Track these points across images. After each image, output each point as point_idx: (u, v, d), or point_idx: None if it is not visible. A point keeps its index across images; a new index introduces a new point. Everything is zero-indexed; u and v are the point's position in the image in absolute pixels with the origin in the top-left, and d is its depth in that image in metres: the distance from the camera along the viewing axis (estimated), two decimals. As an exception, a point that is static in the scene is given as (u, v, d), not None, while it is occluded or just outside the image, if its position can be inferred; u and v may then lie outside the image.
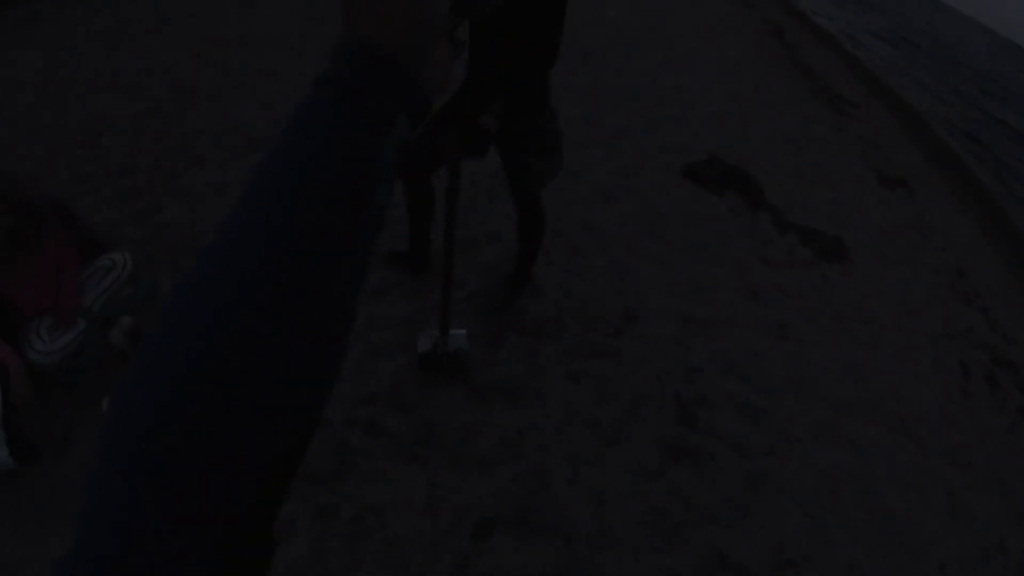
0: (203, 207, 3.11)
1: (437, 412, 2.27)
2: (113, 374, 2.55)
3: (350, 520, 2.06)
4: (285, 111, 3.59)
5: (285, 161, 0.30)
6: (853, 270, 3.54)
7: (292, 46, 4.90)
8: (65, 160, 3.38)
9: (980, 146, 7.52)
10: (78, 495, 2.31)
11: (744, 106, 5.39)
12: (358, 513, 2.08)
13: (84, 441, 2.36)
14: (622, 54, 5.83)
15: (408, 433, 2.22)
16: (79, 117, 3.76)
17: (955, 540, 2.33)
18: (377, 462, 2.17)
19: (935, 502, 2.45)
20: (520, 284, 2.63)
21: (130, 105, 3.91)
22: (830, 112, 6.10)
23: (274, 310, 0.28)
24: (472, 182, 3.31)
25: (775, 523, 2.15)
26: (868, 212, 4.34)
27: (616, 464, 2.21)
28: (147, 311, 2.64)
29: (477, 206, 3.22)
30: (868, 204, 4.48)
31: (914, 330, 3.32)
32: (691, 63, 6.09)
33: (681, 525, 2.10)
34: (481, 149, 2.24)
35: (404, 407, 2.29)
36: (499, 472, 2.15)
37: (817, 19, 10.46)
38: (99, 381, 2.55)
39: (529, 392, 2.35)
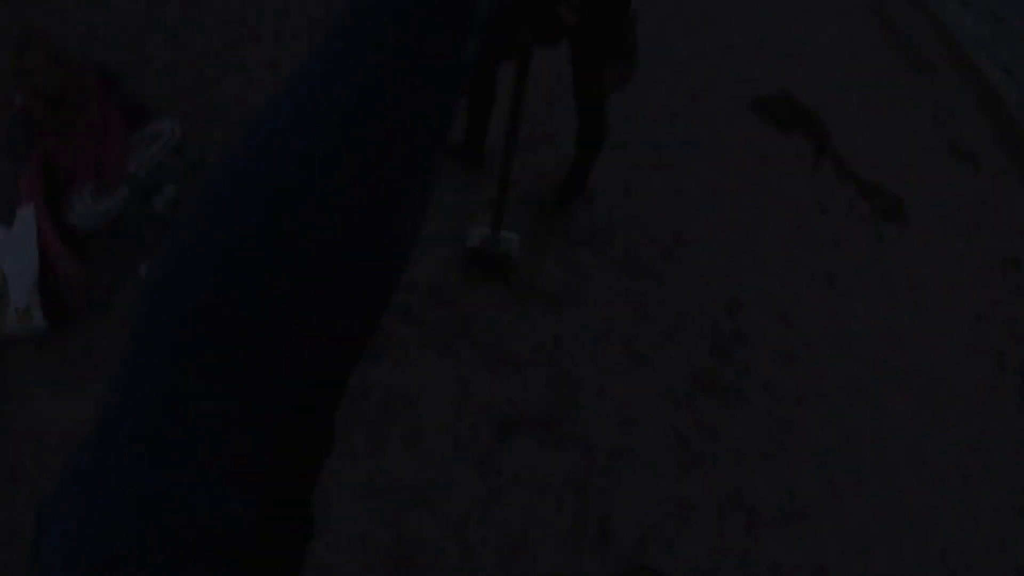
0: (256, 83, 2.98)
1: (476, 309, 2.24)
2: (154, 242, 2.52)
3: (378, 403, 2.07)
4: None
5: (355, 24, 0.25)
6: (908, 234, 3.39)
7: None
8: (120, 30, 3.23)
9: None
10: (112, 357, 2.36)
11: (820, 47, 5.04)
12: (387, 398, 2.08)
13: (122, 306, 2.36)
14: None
15: (445, 325, 2.20)
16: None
17: (961, 529, 2.34)
18: (410, 350, 2.16)
19: (949, 487, 2.44)
20: (573, 192, 2.54)
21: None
22: (908, 71, 5.72)
23: (362, 160, 0.23)
24: (532, 81, 3.13)
25: (792, 472, 2.15)
26: (932, 179, 4.14)
27: (646, 384, 2.19)
28: (192, 182, 2.58)
29: (535, 106, 3.07)
30: (933, 171, 4.27)
31: (957, 308, 3.23)
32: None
33: (700, 456, 2.11)
34: (554, 38, 2.09)
35: (444, 299, 2.25)
36: (530, 375, 2.15)
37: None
38: (139, 248, 2.52)
39: (569, 301, 2.31)
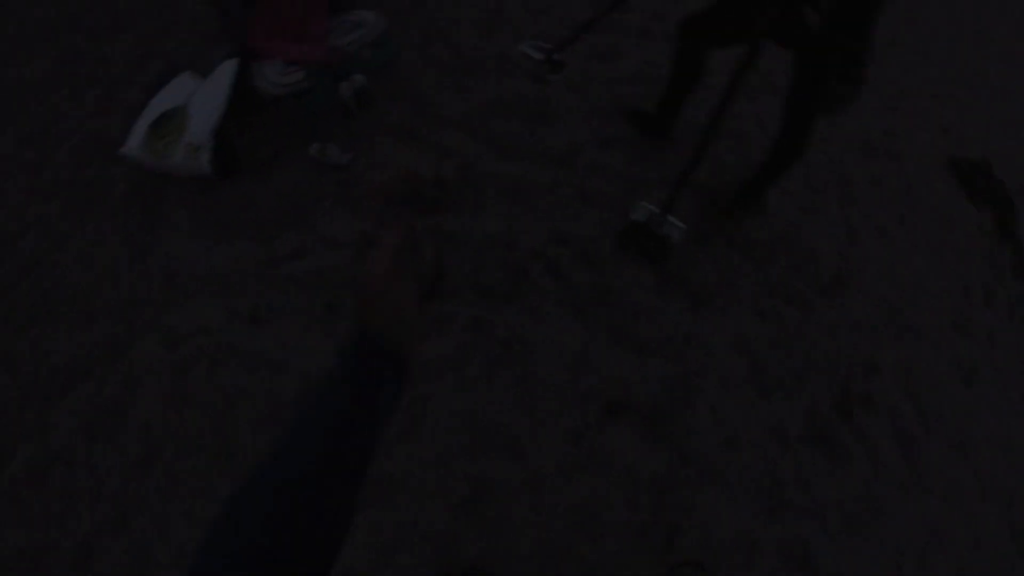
0: None
1: (620, 282, 2.20)
2: (332, 125, 2.55)
3: (500, 342, 2.09)
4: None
5: (320, 401, 0.50)
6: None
7: None
8: None
9: None
10: (261, 212, 2.42)
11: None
12: (509, 339, 2.09)
13: (283, 175, 2.41)
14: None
15: (585, 288, 2.18)
16: None
17: None
18: (546, 302, 2.16)
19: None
20: (751, 199, 2.42)
21: None
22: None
23: (320, 476, 0.46)
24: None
25: (867, 553, 2.08)
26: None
27: (761, 414, 2.14)
28: (382, 78, 2.58)
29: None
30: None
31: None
32: (981, 28, 5.09)
33: (788, 504, 2.06)
34: (791, 39, 1.93)
35: (592, 263, 2.22)
36: (651, 365, 2.12)
37: None
38: (316, 127, 2.56)
39: (712, 305, 2.24)
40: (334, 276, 2.25)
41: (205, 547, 0.42)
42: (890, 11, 1.81)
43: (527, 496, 1.93)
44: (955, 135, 3.59)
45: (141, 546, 1.94)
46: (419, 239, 0.60)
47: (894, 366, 2.44)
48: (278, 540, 0.42)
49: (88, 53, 3.48)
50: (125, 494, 1.98)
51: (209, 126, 2.38)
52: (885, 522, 2.16)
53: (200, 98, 2.43)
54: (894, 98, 3.51)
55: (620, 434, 2.02)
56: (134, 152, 2.46)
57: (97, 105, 3.14)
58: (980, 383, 2.66)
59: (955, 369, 2.61)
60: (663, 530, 1.94)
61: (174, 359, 2.16)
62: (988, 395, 2.65)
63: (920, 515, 2.22)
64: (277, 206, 2.43)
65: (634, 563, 1.89)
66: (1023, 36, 5.36)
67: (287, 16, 2.41)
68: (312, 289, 2.24)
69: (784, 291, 2.36)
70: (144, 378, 2.14)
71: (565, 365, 2.08)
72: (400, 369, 0.52)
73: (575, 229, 2.26)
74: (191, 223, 2.49)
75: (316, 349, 2.13)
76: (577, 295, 2.16)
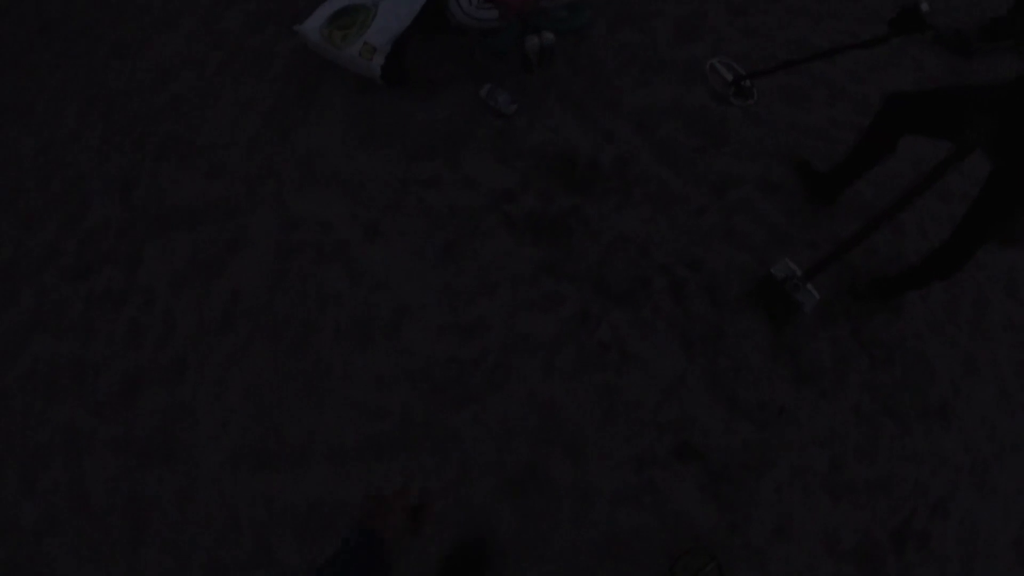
0: None
1: (735, 330, 2.09)
2: (508, 73, 2.47)
3: (600, 342, 2.03)
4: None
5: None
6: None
7: None
8: None
9: None
10: (413, 131, 2.34)
11: None
12: (609, 343, 2.02)
13: (444, 101, 2.34)
14: None
15: (700, 322, 2.09)
16: None
17: None
18: (658, 320, 2.07)
19: None
20: (889, 293, 2.28)
21: None
22: None
23: None
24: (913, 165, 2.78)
25: None
26: None
27: (820, 514, 2.05)
28: (568, 43, 2.48)
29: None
30: None
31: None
32: None
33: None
34: (1001, 151, 1.77)
35: (714, 299, 2.12)
36: (737, 426, 2.03)
37: None
38: (492, 71, 2.48)
39: (814, 386, 2.14)
40: (461, 215, 2.18)
41: None
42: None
43: (572, 504, 1.88)
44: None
45: (184, 406, 1.92)
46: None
47: (961, 518, 2.33)
48: None
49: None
50: (189, 349, 1.96)
51: (392, 33, 2.32)
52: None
53: (392, 2, 2.35)
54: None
55: (682, 479, 1.95)
56: (310, 33, 2.40)
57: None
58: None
59: (1014, 546, 2.49)
60: (695, 561, 1.88)
61: (284, 240, 2.12)
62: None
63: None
64: (431, 130, 2.36)
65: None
66: None
67: None
68: (437, 220, 2.18)
69: (888, 400, 2.24)
70: (250, 247, 2.10)
71: (654, 390, 2.00)
72: (383, 555, 0.74)
73: (709, 259, 2.16)
74: (342, 120, 2.43)
75: (419, 280, 2.07)
76: (690, 325, 2.06)
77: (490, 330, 2.04)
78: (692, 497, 1.93)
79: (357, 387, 1.98)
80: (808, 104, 2.65)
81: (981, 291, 2.75)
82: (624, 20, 2.69)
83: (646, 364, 1.99)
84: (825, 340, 2.19)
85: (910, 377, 2.32)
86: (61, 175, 2.51)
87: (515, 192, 2.28)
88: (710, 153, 2.40)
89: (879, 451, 2.18)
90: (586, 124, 2.41)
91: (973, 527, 2.34)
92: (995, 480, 2.45)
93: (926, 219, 2.53)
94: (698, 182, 2.34)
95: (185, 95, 2.63)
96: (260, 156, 2.35)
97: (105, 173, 2.47)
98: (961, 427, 2.40)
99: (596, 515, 1.86)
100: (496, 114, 2.41)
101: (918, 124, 1.96)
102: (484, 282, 2.12)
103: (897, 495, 2.19)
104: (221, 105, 2.55)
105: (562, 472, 1.87)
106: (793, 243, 2.28)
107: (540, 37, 2.43)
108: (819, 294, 2.13)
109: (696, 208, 2.28)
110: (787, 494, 2.02)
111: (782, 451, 2.03)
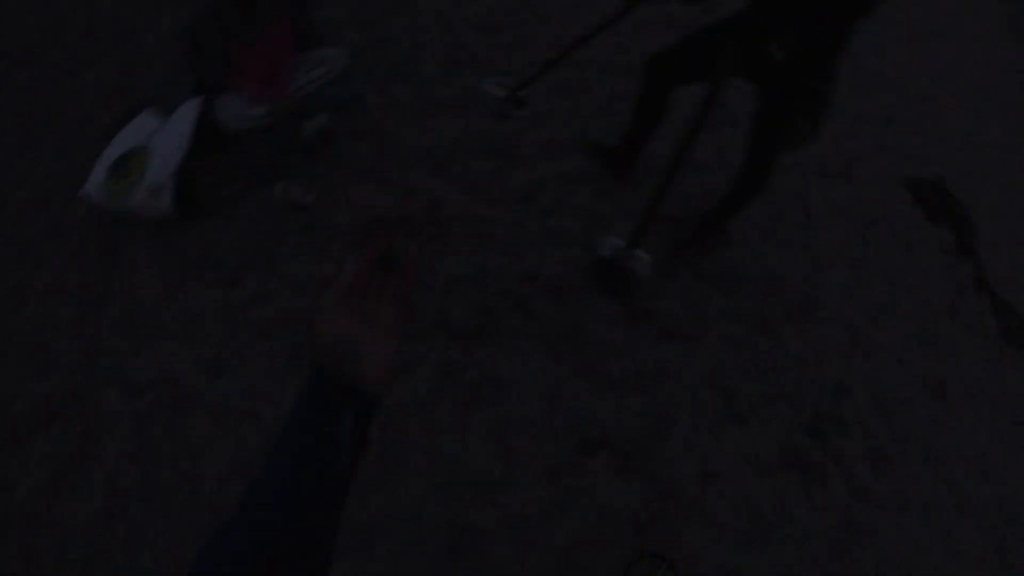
0: (422, 26, 2.95)
1: (589, 318, 2.21)
2: (295, 165, 2.54)
3: (471, 383, 2.08)
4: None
5: (280, 443, 0.50)
6: (1029, 365, 3.20)
7: None
8: None
9: None
10: (224, 259, 2.40)
11: (987, 142, 4.72)
12: (480, 380, 2.09)
13: (247, 214, 2.39)
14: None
15: (555, 326, 2.19)
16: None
17: None
18: (516, 340, 2.16)
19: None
20: (714, 230, 2.46)
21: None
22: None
23: (289, 518, 0.46)
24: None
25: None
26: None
27: (736, 444, 2.15)
28: (344, 115, 2.59)
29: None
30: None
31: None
32: (919, 43, 5.29)
33: (768, 531, 2.06)
34: (756, 74, 1.99)
35: (561, 299, 2.24)
36: (625, 400, 2.12)
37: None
38: (279, 167, 2.55)
39: (683, 337, 2.26)
40: (299, 320, 2.24)
41: None
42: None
43: (508, 540, 1.91)
44: (910, 156, 3.71)
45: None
46: (399, 257, 0.60)
47: (863, 386, 2.48)
48: None
49: (46, 91, 3.45)
50: (91, 551, 1.92)
51: (171, 166, 2.33)
52: (867, 543, 2.18)
53: (162, 137, 2.38)
54: (850, 123, 3.62)
55: (598, 472, 2.02)
56: (94, 194, 2.39)
57: (56, 145, 3.10)
58: (949, 397, 2.71)
59: (923, 385, 2.66)
60: (647, 568, 1.93)
61: (136, 410, 2.11)
62: (958, 409, 2.70)
63: (900, 533, 2.24)
64: (240, 248, 2.39)
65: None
66: (969, 57, 5.59)
67: (258, 53, 2.41)
68: (277, 334, 2.22)
69: (752, 319, 2.39)
70: (106, 431, 2.09)
71: (538, 404, 2.08)
72: (359, 401, 0.53)
73: (542, 266, 2.28)
74: (152, 267, 2.43)
75: (283, 396, 2.10)
76: (547, 332, 2.17)
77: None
78: (613, 485, 1.99)
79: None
80: (583, 90, 2.87)
81: (798, 189, 3.00)
82: (391, 75, 2.82)
83: (521, 383, 2.08)
84: (674, 293, 2.34)
85: (763, 291, 2.49)
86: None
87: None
88: (508, 169, 2.55)
89: (763, 366, 2.32)
90: (385, 186, 2.49)
91: (877, 389, 2.50)
92: (879, 341, 2.63)
93: (727, 149, 2.73)
94: (507, 199, 2.47)
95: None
96: (84, 335, 2.33)
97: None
98: (827, 311, 2.58)
99: (534, 539, 1.89)
100: (297, 208, 2.46)
101: (678, 75, 2.16)
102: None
103: (796, 396, 2.32)
104: (30, 297, 2.49)
105: (486, 516, 1.91)
106: (612, 220, 2.44)
107: (314, 121, 2.52)
108: (650, 255, 2.29)
109: (512, 224, 2.41)
110: (697, 441, 2.11)
111: (675, 407, 2.13)
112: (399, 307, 0.58)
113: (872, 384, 2.50)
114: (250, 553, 0.43)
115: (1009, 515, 2.59)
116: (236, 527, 0.45)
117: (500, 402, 2.05)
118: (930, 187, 3.57)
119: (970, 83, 5.13)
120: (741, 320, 2.37)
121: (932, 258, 3.20)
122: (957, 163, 4.07)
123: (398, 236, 0.60)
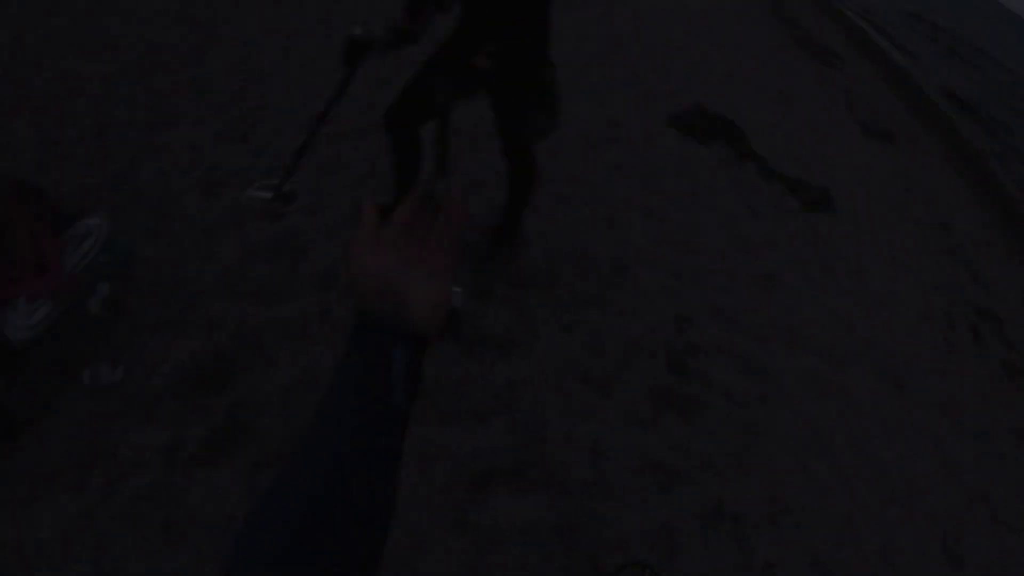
0: (177, 166, 2.96)
1: (433, 368, 2.22)
2: (91, 343, 2.43)
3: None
4: (259, 68, 3.34)
5: (333, 391, 0.47)
6: (840, 221, 3.53)
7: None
8: (35, 126, 3.19)
9: (960, 103, 7.52)
10: (62, 467, 2.23)
11: (729, 55, 5.30)
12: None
13: (67, 413, 2.25)
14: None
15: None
16: (46, 80, 3.54)
17: (943, 490, 2.38)
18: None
19: (924, 453, 2.50)
20: (508, 236, 2.57)
21: (100, 67, 3.69)
22: (815, 63, 6.04)
23: (347, 463, 0.44)
24: (453, 130, 3.20)
25: (770, 473, 2.16)
26: (854, 164, 4.33)
27: (610, 414, 2.19)
28: (124, 277, 2.52)
29: (461, 156, 3.11)
30: (854, 156, 4.47)
31: (900, 281, 3.34)
32: (674, 11, 5.95)
33: (676, 474, 2.10)
34: (471, 87, 2.14)
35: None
36: (494, 425, 2.12)
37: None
38: (77, 350, 2.43)
39: (520, 344, 2.31)
40: (164, 492, 2.09)
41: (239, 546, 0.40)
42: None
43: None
44: (663, 97, 4.08)
45: None
46: (443, 197, 0.56)
47: (702, 308, 2.62)
48: (320, 534, 0.41)
49: None
50: None
51: None
52: (767, 440, 2.26)
53: None
54: (600, 89, 3.94)
55: (497, 499, 1.98)
56: None
57: None
58: (782, 280, 2.92)
59: (754, 281, 2.86)
60: (585, 563, 1.90)
61: None
62: (796, 286, 2.91)
63: (793, 416, 2.36)
64: (72, 450, 2.22)
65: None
66: (734, 28, 6.30)
67: (18, 255, 2.31)
68: (144, 518, 2.06)
69: (576, 300, 2.49)
70: None
71: (414, 466, 2.04)
72: (407, 340, 0.50)
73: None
74: None
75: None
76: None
77: None
78: (518, 505, 1.94)
79: None
80: (345, 163, 2.96)
81: (575, 165, 3.20)
82: (158, 219, 2.68)
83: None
84: (496, 309, 2.40)
85: (577, 270, 2.61)
86: None
87: (181, 445, 2.23)
88: (301, 263, 2.53)
89: (603, 337, 2.39)
90: (192, 335, 2.39)
91: (712, 303, 2.65)
92: (695, 264, 2.80)
93: (494, 162, 2.83)
94: (310, 293, 2.43)
95: None
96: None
97: None
98: (639, 261, 2.73)
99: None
100: (110, 389, 2.31)
101: (412, 117, 2.25)
102: None
103: (644, 346, 2.41)
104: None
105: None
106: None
107: (97, 295, 2.40)
108: (460, 287, 2.34)
109: (320, 315, 2.38)
110: (574, 430, 2.12)
111: (539, 409, 2.16)
112: (446, 247, 0.54)
113: (708, 303, 2.65)
114: (315, 502, 0.42)
115: (885, 352, 2.80)
116: (293, 481, 0.43)
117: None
118: (691, 115, 3.93)
119: (728, 40, 5.75)
120: (565, 306, 2.46)
121: (717, 174, 3.49)
122: (708, 86, 4.52)
123: (442, 179, 0.60)
